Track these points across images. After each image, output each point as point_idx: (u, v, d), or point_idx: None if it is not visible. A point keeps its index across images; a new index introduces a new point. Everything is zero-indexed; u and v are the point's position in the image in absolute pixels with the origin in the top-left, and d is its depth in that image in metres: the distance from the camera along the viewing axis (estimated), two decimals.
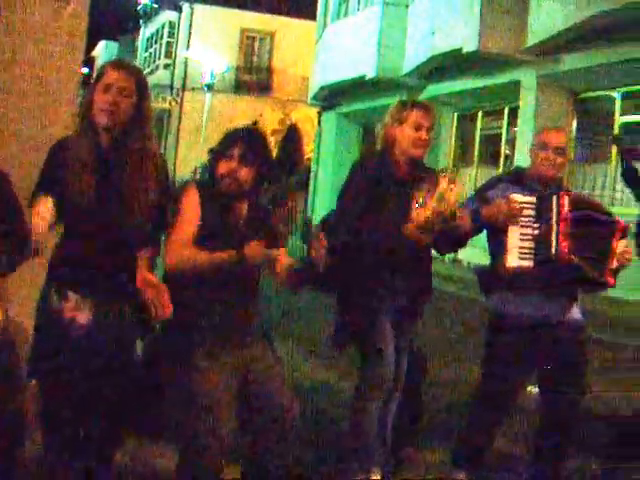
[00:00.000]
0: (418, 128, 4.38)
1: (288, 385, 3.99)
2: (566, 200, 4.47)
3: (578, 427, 4.74)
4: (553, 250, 4.43)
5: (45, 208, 3.35)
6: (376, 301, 4.35)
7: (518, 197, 4.47)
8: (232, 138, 3.86)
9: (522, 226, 4.47)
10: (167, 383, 3.72)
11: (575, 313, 4.64)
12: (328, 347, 4.62)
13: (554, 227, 4.45)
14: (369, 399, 4.39)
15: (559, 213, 4.46)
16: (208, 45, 34.59)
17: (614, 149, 15.08)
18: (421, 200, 4.09)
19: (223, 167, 3.79)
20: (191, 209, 3.73)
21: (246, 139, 3.84)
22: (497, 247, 4.59)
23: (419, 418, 5.07)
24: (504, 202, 4.45)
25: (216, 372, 3.67)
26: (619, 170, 6.62)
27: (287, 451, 3.84)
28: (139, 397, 3.73)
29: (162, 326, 3.73)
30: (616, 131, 14.61)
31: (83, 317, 3.56)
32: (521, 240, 4.47)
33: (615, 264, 4.51)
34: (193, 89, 36.09)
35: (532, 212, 4.49)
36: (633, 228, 5.07)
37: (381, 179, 4.34)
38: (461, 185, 4.21)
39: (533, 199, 4.50)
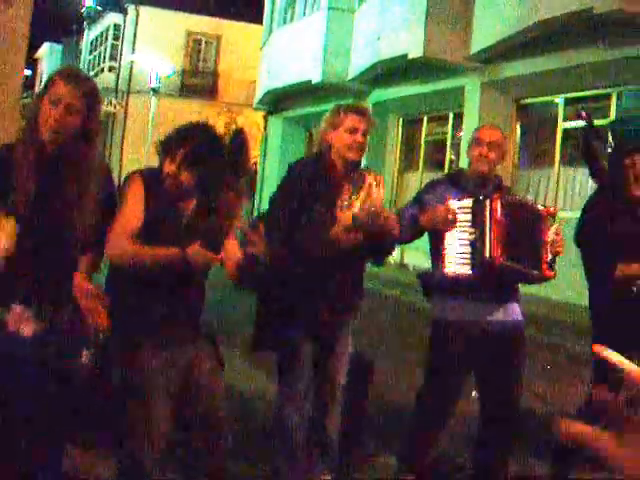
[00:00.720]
0: (353, 132, 4.38)
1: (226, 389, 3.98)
2: (498, 203, 4.50)
3: (518, 427, 4.79)
4: (487, 255, 4.46)
5: (9, 229, 3.31)
6: (294, 308, 4.33)
7: (454, 203, 4.50)
8: (180, 137, 3.75)
9: (460, 231, 4.51)
10: (114, 383, 3.67)
11: (515, 314, 4.68)
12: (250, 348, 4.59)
13: (487, 232, 4.48)
14: (285, 410, 4.38)
15: (492, 217, 4.48)
16: (154, 48, 34.29)
17: (557, 154, 15.30)
18: (346, 203, 4.10)
19: (167, 167, 3.72)
20: (135, 200, 3.65)
21: (194, 141, 3.71)
22: (436, 251, 4.63)
23: (363, 420, 5.09)
24: (441, 208, 4.48)
25: (159, 369, 3.64)
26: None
27: (223, 453, 3.84)
28: (85, 407, 3.68)
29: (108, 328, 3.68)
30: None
31: (28, 328, 3.49)
32: (458, 245, 4.51)
33: (549, 256, 4.57)
34: (138, 92, 35.76)
35: (468, 217, 4.51)
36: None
37: (315, 182, 4.34)
38: (382, 187, 4.21)
39: (469, 203, 4.52)
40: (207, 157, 3.72)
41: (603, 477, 5.19)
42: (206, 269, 3.73)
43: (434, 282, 4.67)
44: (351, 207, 4.11)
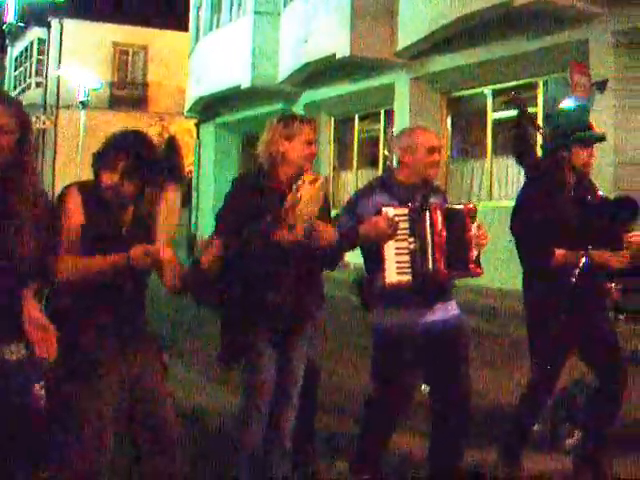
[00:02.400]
0: (309, 143, 4.39)
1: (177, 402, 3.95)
2: (439, 214, 4.53)
3: (470, 419, 4.84)
4: (430, 267, 4.50)
5: None
6: (254, 323, 4.31)
7: (391, 211, 4.48)
8: (117, 148, 3.69)
9: (397, 240, 4.50)
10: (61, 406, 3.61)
11: (453, 310, 4.74)
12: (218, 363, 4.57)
13: (429, 244, 4.51)
14: (248, 419, 4.37)
15: (433, 228, 4.51)
16: (80, 61, 33.83)
17: (489, 144, 15.48)
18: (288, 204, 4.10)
19: (107, 178, 3.65)
20: (72, 213, 3.60)
21: (134, 150, 3.67)
22: (372, 260, 4.62)
23: (312, 423, 5.09)
24: (380, 220, 4.45)
25: (104, 388, 3.60)
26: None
27: (174, 470, 3.81)
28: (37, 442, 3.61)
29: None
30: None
31: None
32: (397, 254, 4.49)
33: (475, 253, 4.60)
34: (67, 107, 35.27)
35: (406, 224, 4.51)
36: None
37: (266, 194, 4.30)
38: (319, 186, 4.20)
39: (405, 211, 4.52)
40: (148, 166, 3.68)
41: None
42: (151, 268, 3.66)
43: (373, 292, 4.67)
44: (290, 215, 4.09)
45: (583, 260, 4.80)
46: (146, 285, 3.87)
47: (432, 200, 4.64)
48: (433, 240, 4.51)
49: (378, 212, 4.50)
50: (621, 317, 9.74)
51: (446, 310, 4.69)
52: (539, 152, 5.45)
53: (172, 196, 3.68)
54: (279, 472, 4.49)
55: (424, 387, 5.25)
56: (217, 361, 4.47)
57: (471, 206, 4.74)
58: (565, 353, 5.04)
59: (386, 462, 4.94)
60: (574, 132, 4.96)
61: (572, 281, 4.78)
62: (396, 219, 4.47)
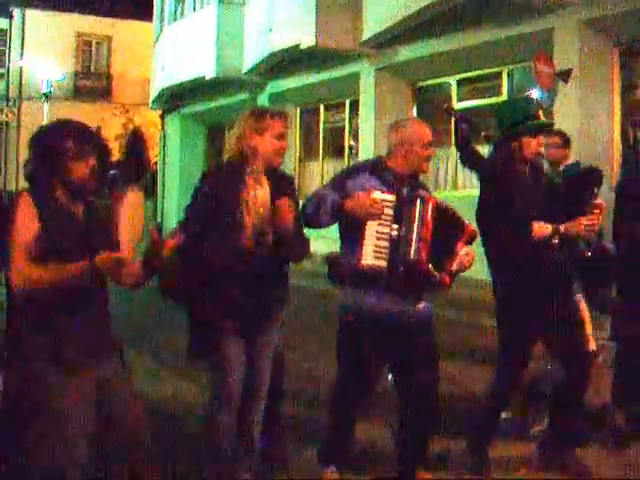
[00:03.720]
0: (280, 137, 4.37)
1: (144, 399, 3.91)
2: (430, 206, 4.50)
3: (437, 409, 4.85)
4: (412, 257, 4.46)
5: None
6: (221, 317, 4.29)
7: (379, 194, 4.47)
8: (84, 141, 3.59)
9: (380, 224, 4.47)
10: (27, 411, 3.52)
11: (424, 301, 4.73)
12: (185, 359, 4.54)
13: (414, 233, 4.47)
14: (217, 414, 4.36)
15: (423, 218, 4.48)
16: (43, 52, 33.57)
17: (453, 135, 15.53)
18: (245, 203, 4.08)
19: (78, 170, 3.56)
20: (27, 220, 3.44)
21: (100, 145, 3.64)
22: (350, 240, 4.58)
23: (280, 416, 5.10)
24: (367, 198, 4.43)
25: (74, 390, 3.53)
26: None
27: (143, 470, 3.77)
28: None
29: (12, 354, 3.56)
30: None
31: None
32: (377, 238, 4.47)
33: (455, 267, 4.56)
34: (30, 99, 34.95)
35: (391, 211, 4.49)
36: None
37: (236, 187, 4.26)
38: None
39: (393, 197, 4.50)
40: (99, 147, 3.64)
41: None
42: (118, 273, 3.51)
43: (345, 269, 4.66)
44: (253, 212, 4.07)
45: (561, 229, 4.84)
46: (107, 283, 3.78)
47: (421, 192, 4.63)
48: (420, 230, 4.47)
49: (366, 191, 4.47)
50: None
51: (417, 301, 4.66)
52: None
53: (135, 197, 3.61)
54: (247, 466, 4.48)
55: (390, 377, 5.25)
56: (185, 358, 4.45)
57: (473, 228, 4.71)
58: (532, 342, 5.07)
59: (354, 450, 4.97)
60: (522, 122, 4.99)
61: (555, 242, 4.81)
62: (383, 204, 4.45)
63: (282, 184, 4.42)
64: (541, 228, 4.84)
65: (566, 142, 6.40)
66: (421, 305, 4.68)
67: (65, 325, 3.54)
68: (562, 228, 4.85)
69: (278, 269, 4.44)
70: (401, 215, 4.48)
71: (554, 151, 6.30)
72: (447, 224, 4.56)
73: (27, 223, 3.45)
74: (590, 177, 5.12)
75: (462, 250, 4.57)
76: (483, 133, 5.69)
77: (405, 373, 4.76)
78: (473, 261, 4.61)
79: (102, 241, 3.60)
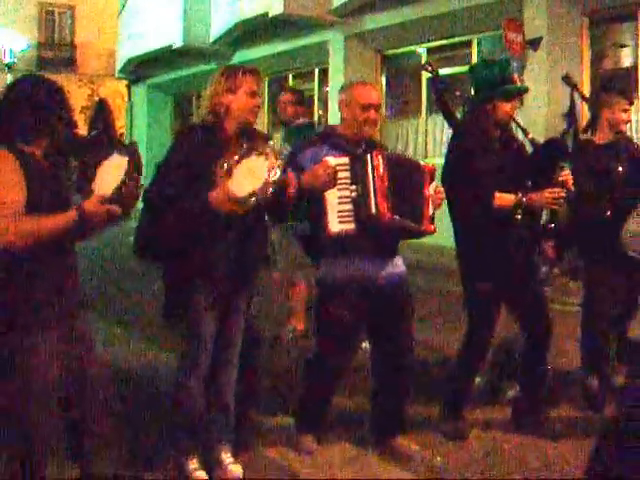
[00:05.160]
0: (253, 95, 4.30)
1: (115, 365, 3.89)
2: (380, 159, 4.49)
3: (411, 375, 4.90)
4: (373, 211, 4.45)
5: None
6: (193, 277, 4.24)
7: (332, 160, 4.46)
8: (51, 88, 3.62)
9: (339, 189, 4.47)
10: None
11: (398, 266, 4.74)
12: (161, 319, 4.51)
13: (371, 188, 4.46)
14: (186, 379, 4.33)
15: (375, 172, 4.47)
16: (5, 22, 33.04)
17: (424, 103, 15.53)
18: (225, 166, 3.99)
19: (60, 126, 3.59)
20: (9, 177, 3.40)
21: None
22: (315, 212, 4.57)
23: (256, 385, 5.08)
24: (320, 168, 4.42)
25: (49, 347, 3.53)
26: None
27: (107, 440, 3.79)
28: None
29: None
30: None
31: None
32: (339, 203, 4.47)
33: (431, 210, 4.60)
34: None
35: (347, 173, 4.48)
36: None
37: (210, 148, 4.18)
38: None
39: (346, 160, 4.50)
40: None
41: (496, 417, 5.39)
42: (107, 225, 3.55)
43: (317, 242, 4.65)
44: (230, 173, 3.99)
45: (524, 199, 4.83)
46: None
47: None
48: (375, 184, 4.47)
49: (318, 162, 4.47)
50: (556, 271, 9.95)
51: (391, 265, 4.68)
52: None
53: (119, 160, 3.55)
54: (220, 433, 4.46)
55: (365, 345, 5.27)
56: (161, 317, 4.41)
57: (431, 165, 4.72)
58: (498, 306, 5.10)
59: (331, 418, 4.99)
60: (497, 85, 4.97)
61: (517, 218, 4.82)
62: (337, 168, 4.44)
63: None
64: (502, 198, 4.84)
65: None
66: (395, 268, 4.68)
67: (48, 279, 3.54)
68: (525, 200, 4.83)
69: (257, 232, 4.40)
70: (356, 175, 4.48)
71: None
72: (405, 172, 4.59)
73: (14, 179, 3.41)
74: (554, 148, 5.10)
75: (430, 190, 4.60)
76: (457, 93, 5.68)
77: (380, 337, 4.78)
78: (444, 195, 4.66)
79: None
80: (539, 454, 4.80)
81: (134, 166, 3.53)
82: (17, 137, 3.52)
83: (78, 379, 3.69)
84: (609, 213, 5.28)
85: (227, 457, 4.44)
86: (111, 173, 3.52)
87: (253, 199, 3.92)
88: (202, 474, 4.36)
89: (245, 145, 4.09)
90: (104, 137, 4.41)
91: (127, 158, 3.51)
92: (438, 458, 4.74)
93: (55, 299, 3.57)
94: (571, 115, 6.22)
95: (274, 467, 4.65)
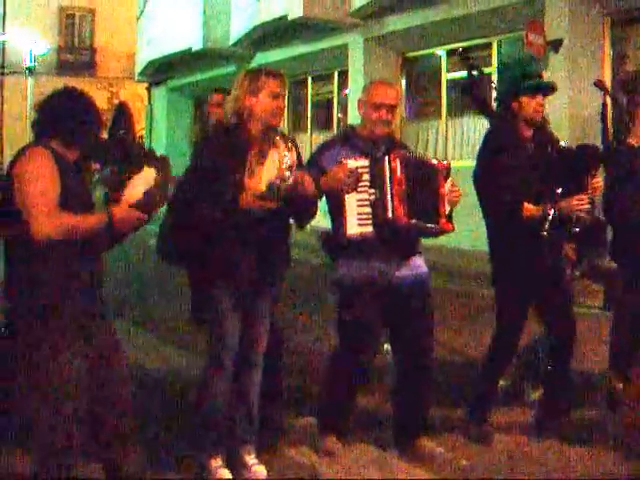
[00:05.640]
0: (276, 97, 4.30)
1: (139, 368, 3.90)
2: (398, 162, 4.50)
3: (431, 376, 4.86)
4: (390, 215, 4.48)
5: None
6: (216, 281, 4.26)
7: (351, 163, 4.47)
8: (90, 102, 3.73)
9: (358, 192, 4.49)
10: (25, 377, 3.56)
11: (419, 267, 4.73)
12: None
13: (388, 192, 4.48)
14: (212, 381, 4.34)
15: (392, 176, 4.49)
16: (26, 26, 33.21)
17: (444, 105, 15.50)
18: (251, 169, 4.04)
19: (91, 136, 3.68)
20: (49, 172, 3.46)
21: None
22: (336, 213, 4.61)
23: (280, 387, 5.08)
24: (340, 171, 4.43)
25: (75, 358, 3.54)
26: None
27: (131, 440, 3.79)
28: None
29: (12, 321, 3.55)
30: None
31: None
32: (358, 206, 4.49)
33: (447, 208, 4.59)
34: (13, 73, 34.60)
35: (367, 176, 4.50)
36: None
37: (236, 151, 4.21)
38: (295, 150, 4.16)
39: (366, 162, 4.51)
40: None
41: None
42: (133, 230, 3.63)
43: (337, 243, 4.66)
44: (255, 174, 4.03)
45: (552, 212, 4.80)
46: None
47: (395, 152, 4.61)
48: (392, 188, 4.48)
49: (339, 164, 4.48)
50: (576, 273, 9.92)
51: (411, 266, 4.68)
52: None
53: (149, 173, 3.60)
54: (244, 436, 4.46)
55: (386, 347, 5.25)
56: (190, 320, 4.43)
57: (445, 163, 4.70)
58: (526, 309, 5.08)
59: (354, 419, 4.96)
60: (522, 80, 4.95)
61: (544, 234, 4.78)
62: (358, 171, 4.45)
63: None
64: (530, 209, 4.81)
65: None
66: (417, 271, 4.68)
67: (80, 278, 3.57)
68: (551, 212, 4.79)
69: (279, 234, 4.40)
70: (375, 178, 4.49)
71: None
72: (422, 173, 4.58)
73: (52, 175, 3.47)
74: (586, 154, 5.06)
75: (446, 188, 4.59)
76: (494, 86, 5.63)
77: (401, 338, 4.78)
78: (460, 192, 4.64)
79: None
80: (562, 457, 4.77)
81: (164, 176, 3.61)
82: (55, 140, 3.59)
83: (105, 380, 3.70)
84: None
85: (251, 458, 4.44)
86: (143, 185, 3.57)
87: (276, 189, 3.93)
88: (226, 472, 4.36)
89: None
90: (128, 138, 4.45)
91: (157, 169, 3.58)
92: (463, 461, 4.71)
93: (81, 299, 3.58)
94: (604, 120, 6.16)
95: (297, 468, 4.63)
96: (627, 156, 5.42)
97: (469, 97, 6.78)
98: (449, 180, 4.63)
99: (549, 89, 5.16)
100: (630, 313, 5.49)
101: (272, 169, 4.06)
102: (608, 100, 6.54)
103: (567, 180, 4.95)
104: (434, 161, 4.77)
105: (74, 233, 3.46)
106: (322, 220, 4.75)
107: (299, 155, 4.41)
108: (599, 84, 6.28)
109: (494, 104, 5.60)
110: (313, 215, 4.52)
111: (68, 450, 3.54)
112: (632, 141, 5.50)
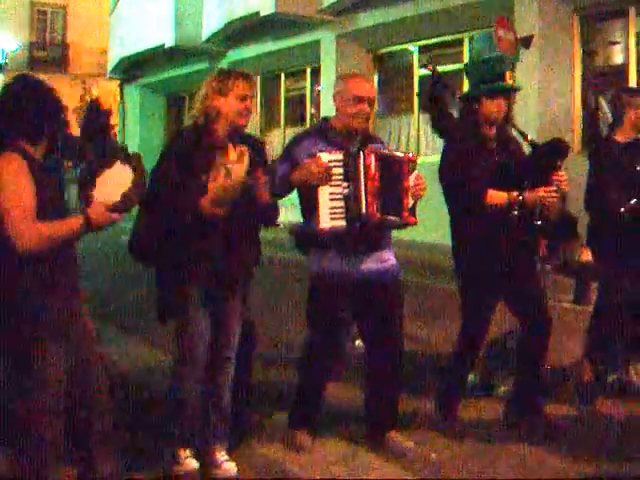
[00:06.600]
0: (244, 98, 4.32)
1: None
2: (372, 158, 4.53)
3: (401, 369, 4.91)
4: (363, 211, 4.51)
5: None
6: (185, 277, 4.28)
7: (325, 156, 4.49)
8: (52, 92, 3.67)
9: (331, 185, 4.51)
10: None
11: (389, 260, 4.77)
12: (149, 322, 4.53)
13: (362, 188, 4.51)
14: (183, 379, 4.36)
15: (366, 172, 4.52)
16: None
17: (416, 101, 15.54)
18: (223, 171, 4.06)
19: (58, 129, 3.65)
20: (25, 179, 3.43)
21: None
22: (308, 206, 4.63)
23: (250, 382, 5.09)
24: (313, 164, 4.46)
25: (59, 351, 3.57)
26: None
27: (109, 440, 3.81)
28: None
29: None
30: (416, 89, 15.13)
31: None
32: (331, 200, 4.51)
33: (411, 201, 4.61)
34: None
35: (340, 170, 4.51)
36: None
37: (201, 151, 4.23)
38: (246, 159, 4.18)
39: (340, 156, 4.53)
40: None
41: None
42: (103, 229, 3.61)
43: (309, 236, 4.68)
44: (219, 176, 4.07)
45: (520, 198, 4.86)
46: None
47: (371, 147, 4.63)
48: (366, 184, 4.51)
49: (312, 157, 4.50)
50: (547, 267, 10.01)
51: (381, 259, 4.71)
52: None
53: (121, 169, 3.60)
54: (216, 431, 4.48)
55: (358, 342, 5.29)
56: (156, 318, 4.43)
57: (411, 155, 4.73)
58: (493, 303, 5.12)
59: (323, 413, 4.99)
60: (484, 83, 4.99)
61: (514, 214, 4.83)
62: (330, 164, 4.48)
63: (255, 152, 4.37)
64: (495, 196, 4.87)
65: None
66: (387, 264, 4.71)
67: (61, 283, 3.58)
68: (520, 198, 4.85)
69: (247, 233, 4.41)
70: (348, 172, 4.52)
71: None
72: (391, 168, 4.60)
73: (26, 183, 3.44)
74: (553, 148, 5.12)
75: (410, 181, 4.60)
76: (457, 95, 5.69)
77: (370, 331, 4.82)
78: (424, 185, 4.64)
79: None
80: (532, 450, 4.81)
81: (139, 176, 3.61)
82: (21, 140, 3.55)
83: (83, 380, 3.71)
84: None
85: (222, 455, 4.45)
86: (115, 182, 3.56)
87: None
88: (193, 462, 4.40)
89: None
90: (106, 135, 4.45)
91: (131, 168, 3.57)
92: (432, 454, 4.75)
93: (63, 303, 3.59)
94: (593, 117, 6.28)
95: (269, 464, 4.66)
96: (613, 151, 5.52)
97: (431, 102, 6.87)
98: (414, 173, 4.64)
99: (509, 91, 5.22)
100: (609, 304, 5.56)
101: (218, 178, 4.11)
102: (601, 100, 6.67)
103: (533, 174, 5.02)
104: (400, 153, 4.78)
105: (55, 241, 3.46)
106: (292, 213, 4.77)
107: (264, 155, 4.45)
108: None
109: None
110: (273, 217, 4.57)
111: (52, 451, 3.55)
112: (618, 137, 5.60)
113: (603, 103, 6.92)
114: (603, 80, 12.32)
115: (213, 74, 4.44)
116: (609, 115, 7.34)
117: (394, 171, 4.60)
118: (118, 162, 3.60)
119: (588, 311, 5.90)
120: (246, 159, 4.16)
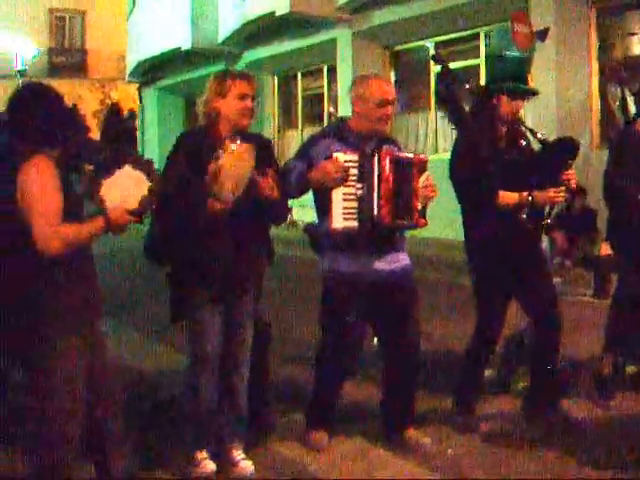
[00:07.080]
0: (243, 98, 4.33)
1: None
2: (387, 161, 4.51)
3: (418, 368, 4.90)
4: (375, 213, 4.51)
5: None
6: (195, 280, 4.29)
7: (342, 157, 4.48)
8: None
9: (346, 185, 4.50)
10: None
11: (402, 260, 4.75)
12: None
13: (375, 190, 4.51)
14: (195, 376, 4.37)
15: (380, 175, 4.50)
16: (15, 29, 33.14)
17: (432, 98, 15.50)
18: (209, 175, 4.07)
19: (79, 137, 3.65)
20: (55, 181, 3.48)
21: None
22: (322, 206, 4.63)
23: (267, 382, 5.09)
24: (329, 165, 4.46)
25: (76, 352, 3.58)
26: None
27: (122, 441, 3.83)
28: None
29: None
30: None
31: None
32: (344, 200, 4.51)
33: (421, 203, 4.60)
34: (4, 77, 34.52)
35: (355, 170, 4.51)
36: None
37: (202, 152, 4.23)
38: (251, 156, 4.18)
39: (356, 157, 4.52)
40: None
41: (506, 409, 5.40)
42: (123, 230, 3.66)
43: (322, 236, 4.68)
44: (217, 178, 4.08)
45: (530, 199, 4.84)
46: None
47: (385, 148, 4.62)
48: (379, 186, 4.50)
49: (329, 157, 4.50)
50: (568, 262, 9.97)
51: (395, 259, 4.70)
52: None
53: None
54: (232, 431, 4.49)
55: (375, 340, 5.28)
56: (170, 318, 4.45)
57: (422, 157, 4.71)
58: (506, 299, 5.10)
59: (340, 411, 4.99)
60: (506, 81, 4.97)
61: (522, 218, 4.82)
62: (346, 165, 4.48)
63: (261, 152, 4.37)
64: (506, 196, 4.84)
65: None
66: (400, 264, 4.70)
67: (78, 283, 3.60)
68: (530, 199, 4.83)
69: (255, 231, 4.42)
70: (363, 174, 4.51)
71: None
72: (404, 170, 4.59)
73: (56, 185, 3.48)
74: (563, 146, 5.09)
75: (420, 183, 4.59)
76: (467, 85, 5.65)
77: (387, 330, 4.81)
78: (434, 186, 4.63)
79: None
80: (550, 446, 4.78)
81: (153, 180, 3.65)
82: (40, 145, 3.57)
83: (97, 381, 3.72)
84: None
85: (238, 454, 4.46)
86: (123, 184, 3.58)
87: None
88: (210, 464, 4.40)
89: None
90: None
91: (143, 172, 3.60)
92: (449, 450, 4.74)
93: (80, 305, 3.61)
94: (624, 108, 6.23)
95: (285, 463, 4.66)
96: (633, 142, 5.47)
97: (444, 95, 6.83)
98: (425, 174, 4.63)
99: (529, 94, 5.21)
100: (628, 296, 5.51)
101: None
102: (626, 91, 6.61)
103: (543, 172, 4.99)
104: (411, 155, 4.78)
105: (79, 243, 3.51)
106: (308, 213, 4.77)
107: (270, 153, 4.46)
108: (616, 75, 6.32)
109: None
110: (282, 215, 4.60)
111: (67, 451, 3.57)
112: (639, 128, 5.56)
113: (627, 94, 6.86)
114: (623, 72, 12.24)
115: (212, 77, 4.48)
116: (632, 106, 7.27)
117: (405, 173, 4.59)
118: (127, 166, 3.62)
119: (608, 305, 5.83)
120: (251, 155, 4.15)
